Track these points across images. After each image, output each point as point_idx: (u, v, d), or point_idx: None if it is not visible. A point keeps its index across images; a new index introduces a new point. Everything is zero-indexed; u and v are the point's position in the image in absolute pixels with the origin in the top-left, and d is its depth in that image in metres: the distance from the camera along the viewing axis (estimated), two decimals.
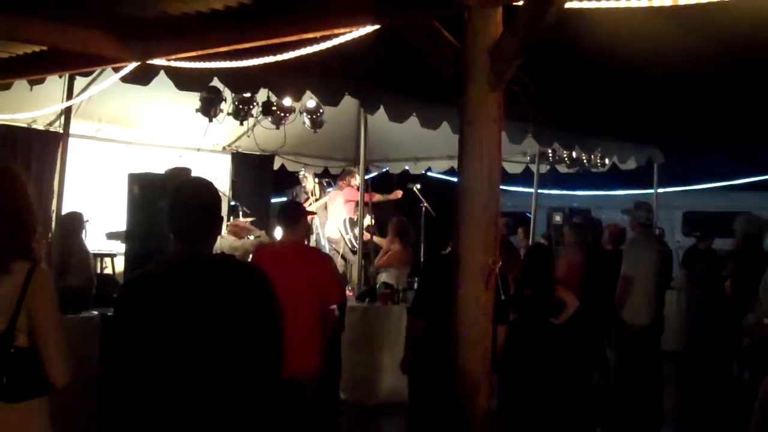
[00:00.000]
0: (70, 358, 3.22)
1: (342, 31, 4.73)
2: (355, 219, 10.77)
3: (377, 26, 4.62)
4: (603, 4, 3.87)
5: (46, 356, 3.13)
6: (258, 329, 3.06)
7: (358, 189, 10.59)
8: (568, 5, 3.84)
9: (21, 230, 3.21)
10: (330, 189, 12.32)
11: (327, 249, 11.15)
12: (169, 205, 3.15)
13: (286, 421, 5.10)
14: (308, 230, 6.17)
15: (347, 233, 11.21)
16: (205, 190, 3.20)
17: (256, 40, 5.10)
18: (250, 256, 6.24)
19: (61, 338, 3.21)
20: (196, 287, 2.99)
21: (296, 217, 5.91)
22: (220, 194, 3.46)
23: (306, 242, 6.32)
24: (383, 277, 9.58)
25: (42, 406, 3.20)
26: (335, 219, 11.48)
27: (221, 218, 3.37)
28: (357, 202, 10.48)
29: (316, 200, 11.96)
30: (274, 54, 5.38)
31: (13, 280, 3.10)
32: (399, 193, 11.99)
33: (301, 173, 12.36)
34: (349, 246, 11.15)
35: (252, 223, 11.07)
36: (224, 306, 3.00)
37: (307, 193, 12.05)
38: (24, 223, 3.23)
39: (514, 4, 3.99)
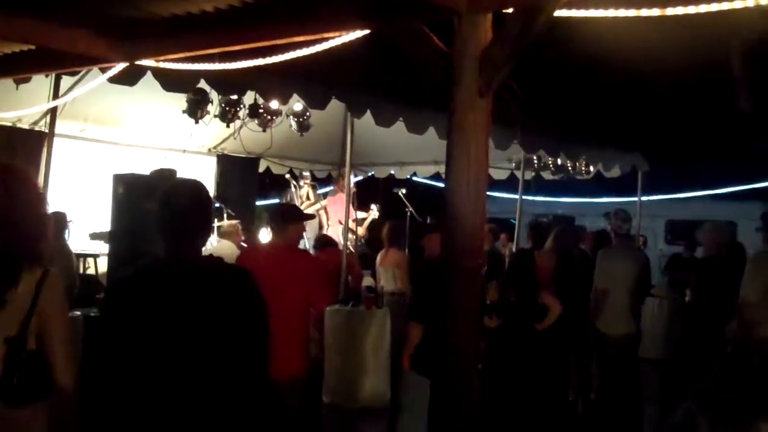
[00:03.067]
0: (77, 362, 3.21)
1: (332, 35, 4.73)
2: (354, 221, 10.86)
3: (367, 31, 4.63)
4: (592, 13, 3.89)
5: (54, 360, 3.12)
6: (245, 331, 3.06)
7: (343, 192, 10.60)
8: (557, 13, 3.86)
9: (33, 234, 3.19)
10: (321, 192, 12.36)
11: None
12: (159, 206, 3.14)
13: (270, 424, 5.10)
14: (301, 234, 6.12)
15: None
16: (196, 191, 3.20)
17: (246, 42, 5.09)
18: (236, 256, 6.19)
19: (70, 343, 3.20)
20: (184, 289, 2.98)
21: (290, 219, 5.87)
22: (211, 196, 3.46)
23: (298, 245, 6.27)
24: (367, 282, 9.57)
25: (44, 410, 3.18)
26: (336, 224, 11.47)
27: (211, 220, 3.37)
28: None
29: (311, 204, 11.94)
30: (264, 57, 5.37)
31: (26, 285, 3.08)
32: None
33: (304, 175, 12.35)
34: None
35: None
36: (212, 308, 3.00)
37: (300, 197, 12.03)
38: (35, 226, 3.21)
39: (504, 11, 4.01)
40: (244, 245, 10.36)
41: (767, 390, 4.05)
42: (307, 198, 12.05)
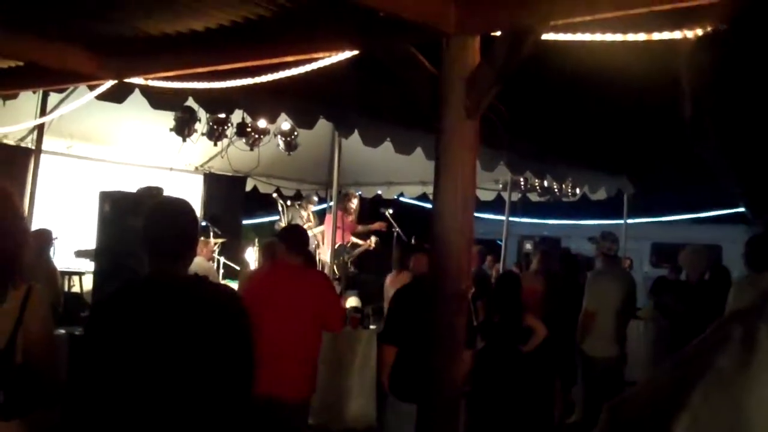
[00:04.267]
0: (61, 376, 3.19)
1: (321, 55, 4.75)
2: (347, 244, 10.84)
3: (356, 51, 4.65)
4: (579, 37, 3.92)
5: (39, 375, 3.11)
6: (229, 351, 3.05)
7: (347, 213, 10.66)
8: (544, 37, 3.89)
9: (16, 251, 3.17)
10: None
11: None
12: (145, 224, 3.14)
13: None
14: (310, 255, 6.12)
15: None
16: (182, 209, 3.19)
17: (236, 61, 5.11)
18: (246, 276, 6.15)
19: (54, 358, 3.18)
20: (167, 308, 2.97)
21: (303, 241, 5.90)
22: (197, 215, 3.45)
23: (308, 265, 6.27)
24: (353, 302, 9.55)
25: (31, 424, 3.16)
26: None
27: (197, 239, 3.36)
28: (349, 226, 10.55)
29: (312, 226, 11.84)
30: (253, 76, 5.38)
31: (11, 301, 3.07)
32: (381, 225, 11.73)
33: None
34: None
35: (223, 245, 11.03)
36: (195, 327, 2.98)
37: (302, 218, 11.95)
38: (17, 243, 3.20)
39: (492, 34, 4.04)
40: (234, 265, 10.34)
41: None
42: (308, 220, 11.95)
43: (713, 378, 0.80)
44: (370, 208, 12.94)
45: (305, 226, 11.45)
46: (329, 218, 11.49)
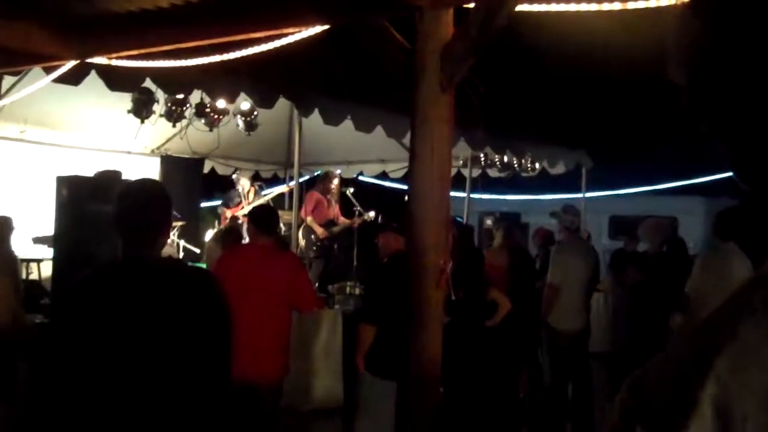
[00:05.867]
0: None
1: (291, 30, 4.68)
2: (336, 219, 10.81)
3: (327, 26, 4.59)
4: (553, 8, 3.91)
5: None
6: (206, 335, 3.00)
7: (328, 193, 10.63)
8: (519, 8, 3.87)
9: None
10: (263, 192, 12.20)
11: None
12: (116, 207, 3.06)
13: (243, 427, 5.04)
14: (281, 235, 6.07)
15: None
16: (154, 191, 3.13)
17: (202, 38, 5.00)
18: (216, 257, 6.04)
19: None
20: (141, 292, 2.91)
21: (273, 221, 5.85)
22: (169, 196, 3.37)
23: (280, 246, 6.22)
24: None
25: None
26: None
27: (171, 221, 3.29)
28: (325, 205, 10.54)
29: (249, 203, 11.78)
30: (220, 53, 5.28)
31: None
32: (361, 221, 11.36)
33: (235, 176, 12.17)
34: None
35: (181, 228, 10.90)
36: (173, 311, 2.93)
37: (240, 196, 11.88)
38: None
39: (465, 6, 4.01)
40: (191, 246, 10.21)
41: None
42: (247, 198, 11.81)
43: (738, 347, 0.80)
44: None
45: (242, 206, 11.43)
46: (310, 196, 11.34)
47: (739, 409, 0.78)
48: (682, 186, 19.45)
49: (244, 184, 11.88)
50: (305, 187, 11.67)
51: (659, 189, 19.59)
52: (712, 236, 6.92)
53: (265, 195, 12.18)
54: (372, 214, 11.06)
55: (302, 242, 10.74)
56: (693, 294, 6.58)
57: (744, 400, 0.78)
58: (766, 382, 0.77)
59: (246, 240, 9.95)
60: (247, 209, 11.42)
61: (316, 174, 14.27)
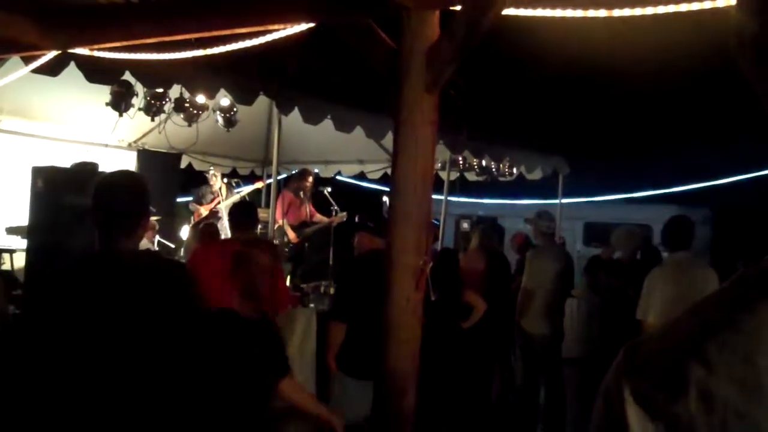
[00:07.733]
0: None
1: (275, 27, 4.66)
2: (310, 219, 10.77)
3: (312, 24, 4.58)
4: (539, 12, 3.93)
5: None
6: (178, 330, 2.99)
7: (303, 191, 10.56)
8: (505, 12, 3.88)
9: None
10: (237, 190, 12.16)
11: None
12: (93, 199, 3.04)
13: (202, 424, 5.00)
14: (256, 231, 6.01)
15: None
16: (132, 183, 3.12)
17: (188, 32, 4.96)
18: (190, 253, 6.02)
19: None
20: (115, 286, 2.89)
21: (252, 218, 5.82)
22: (148, 188, 3.34)
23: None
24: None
25: None
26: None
27: (149, 213, 3.28)
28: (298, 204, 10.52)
29: (223, 200, 11.73)
30: (203, 48, 5.25)
31: None
32: (340, 219, 11.25)
33: (210, 172, 12.11)
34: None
35: (157, 223, 10.83)
36: (143, 306, 2.91)
37: (213, 192, 11.83)
38: None
39: (452, 8, 4.01)
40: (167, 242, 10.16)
41: None
42: (219, 194, 11.75)
43: (731, 333, 0.82)
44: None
45: (215, 202, 11.41)
46: (282, 197, 11.29)
47: (721, 395, 0.80)
48: (656, 194, 19.65)
49: (216, 180, 11.83)
50: (282, 185, 11.62)
51: (634, 197, 19.81)
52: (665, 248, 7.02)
53: (238, 192, 12.15)
54: (344, 214, 11.01)
55: (276, 243, 10.70)
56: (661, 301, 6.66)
57: (727, 387, 0.79)
58: (748, 372, 0.79)
59: (223, 236, 10.02)
60: (222, 205, 11.39)
61: (293, 172, 14.27)
